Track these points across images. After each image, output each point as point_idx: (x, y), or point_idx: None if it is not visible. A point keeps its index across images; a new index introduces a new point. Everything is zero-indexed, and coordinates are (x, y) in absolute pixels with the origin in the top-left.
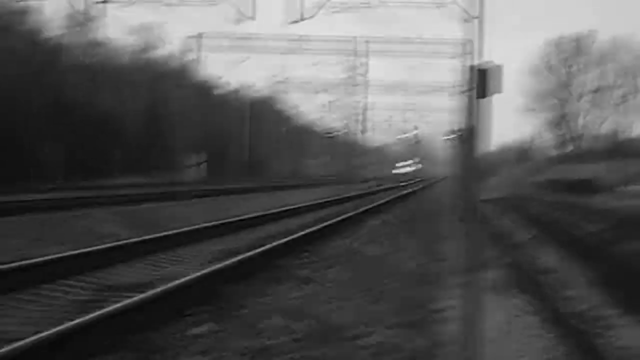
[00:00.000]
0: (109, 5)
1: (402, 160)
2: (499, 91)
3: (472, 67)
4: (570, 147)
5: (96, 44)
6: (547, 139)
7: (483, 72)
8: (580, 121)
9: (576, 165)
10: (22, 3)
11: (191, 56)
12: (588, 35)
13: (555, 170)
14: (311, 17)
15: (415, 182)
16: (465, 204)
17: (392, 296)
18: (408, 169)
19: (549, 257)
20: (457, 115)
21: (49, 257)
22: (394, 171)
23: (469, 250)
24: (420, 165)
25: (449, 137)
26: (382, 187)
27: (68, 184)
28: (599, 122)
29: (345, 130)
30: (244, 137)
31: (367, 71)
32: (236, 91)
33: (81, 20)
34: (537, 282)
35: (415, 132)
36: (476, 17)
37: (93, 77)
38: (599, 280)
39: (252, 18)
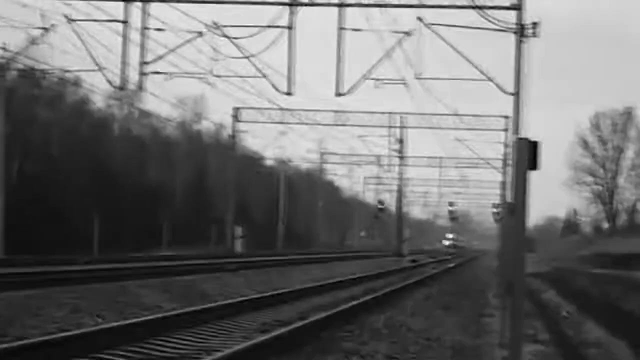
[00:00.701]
0: (149, 78)
1: (448, 237)
2: (538, 167)
3: (519, 140)
4: (611, 222)
5: (143, 115)
6: (591, 213)
7: (534, 144)
8: (617, 197)
9: (619, 239)
10: (72, 74)
11: (234, 129)
12: (624, 112)
13: (600, 244)
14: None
15: (456, 255)
16: (511, 278)
17: None
18: (450, 242)
19: (593, 331)
20: (502, 189)
21: (94, 328)
22: (444, 242)
23: (515, 324)
24: (462, 240)
25: (494, 211)
26: (427, 261)
27: (112, 256)
28: (635, 198)
29: (383, 206)
30: (289, 210)
31: (402, 146)
32: (279, 163)
33: (128, 93)
34: (580, 356)
35: (451, 208)
36: (512, 94)
37: (141, 147)
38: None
39: (290, 93)
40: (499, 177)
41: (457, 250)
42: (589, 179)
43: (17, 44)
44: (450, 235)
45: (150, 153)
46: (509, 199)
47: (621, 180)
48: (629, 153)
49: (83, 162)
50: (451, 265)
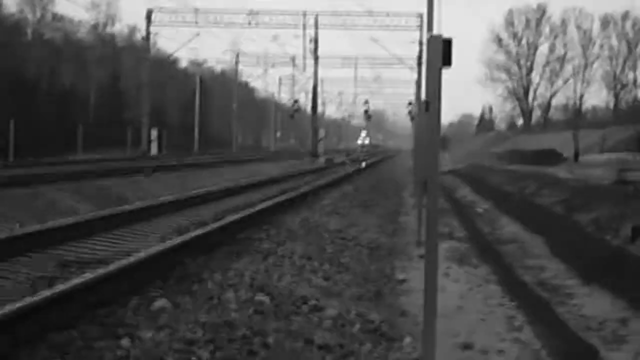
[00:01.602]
0: None
1: (361, 136)
2: (452, 64)
3: (432, 37)
4: (526, 119)
5: (56, 19)
6: (506, 110)
7: (447, 41)
8: (531, 94)
9: (533, 136)
10: None
11: (147, 32)
12: (537, 9)
13: (514, 141)
14: None
15: (371, 154)
16: (426, 176)
17: (354, 268)
18: (366, 142)
19: (508, 227)
20: (417, 88)
21: (12, 234)
22: (357, 142)
23: (430, 221)
24: (377, 139)
25: (408, 110)
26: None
27: (27, 160)
28: (549, 95)
29: (298, 106)
30: (202, 112)
31: (316, 46)
32: (193, 65)
33: None
34: (497, 252)
35: (366, 107)
36: None
37: (54, 52)
38: (557, 249)
39: None
40: (414, 76)
41: (371, 150)
42: (504, 76)
43: None
44: (364, 134)
45: (63, 57)
46: (423, 97)
47: (535, 77)
48: (543, 49)
49: None
50: (365, 165)
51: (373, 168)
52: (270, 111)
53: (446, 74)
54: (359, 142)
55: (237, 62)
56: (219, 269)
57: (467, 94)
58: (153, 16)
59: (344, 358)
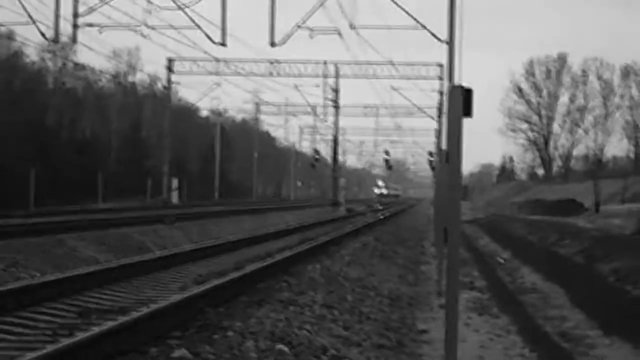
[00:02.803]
0: (80, 31)
1: (377, 185)
2: (472, 114)
3: (453, 88)
4: (546, 169)
5: (77, 68)
6: (527, 160)
7: (467, 91)
8: (552, 144)
9: (554, 186)
10: (4, 27)
11: (168, 81)
12: (558, 58)
13: (535, 191)
14: (282, 43)
15: (392, 204)
16: (447, 225)
17: (375, 317)
18: (384, 191)
19: (529, 277)
20: (437, 137)
21: (32, 282)
22: (375, 191)
23: (451, 272)
24: (396, 188)
25: (429, 159)
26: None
27: (48, 209)
28: (570, 145)
29: (319, 156)
30: (223, 161)
31: (337, 95)
32: (214, 115)
33: (62, 45)
34: (517, 302)
35: (387, 156)
36: (446, 42)
37: (75, 100)
38: (578, 299)
39: (224, 44)
40: (434, 125)
41: (390, 200)
42: (524, 125)
43: None
44: (381, 183)
45: (84, 106)
46: (444, 146)
47: (556, 127)
48: (563, 99)
49: (17, 116)
50: (386, 214)
51: (393, 217)
52: (291, 160)
53: (467, 123)
54: (376, 191)
55: (258, 111)
56: (240, 318)
57: (488, 143)
58: (174, 65)
59: None
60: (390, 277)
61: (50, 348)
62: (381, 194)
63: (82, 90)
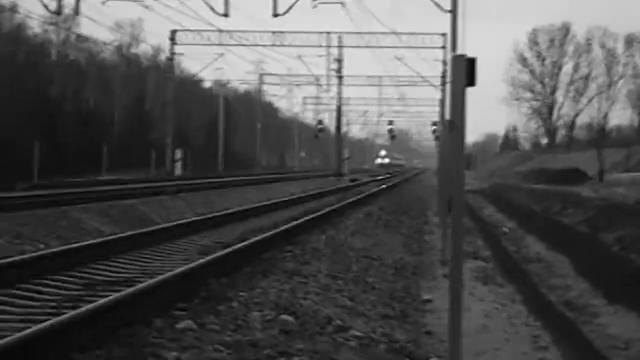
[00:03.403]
0: (83, 3)
1: (379, 154)
2: (475, 84)
3: (456, 57)
4: (550, 138)
5: (80, 40)
6: (530, 129)
7: (471, 61)
8: (555, 113)
9: (558, 155)
10: (7, 0)
11: (171, 52)
12: (561, 27)
13: (538, 160)
14: (285, 12)
15: (395, 174)
16: (451, 195)
17: (379, 287)
18: (386, 161)
19: (533, 246)
20: (441, 107)
21: (37, 253)
22: (376, 161)
23: (455, 241)
24: (399, 158)
25: (433, 129)
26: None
27: (52, 181)
28: (573, 114)
29: (323, 126)
30: (226, 132)
31: (340, 65)
32: (218, 86)
33: (65, 17)
34: (522, 271)
35: (390, 126)
36: (449, 11)
37: (79, 72)
38: (582, 268)
39: (227, 15)
40: (438, 95)
41: (393, 170)
42: (528, 95)
43: None
44: (383, 153)
45: (88, 78)
46: (447, 116)
47: (559, 96)
48: (567, 68)
49: (21, 89)
50: (389, 184)
51: (397, 187)
52: (294, 131)
53: (470, 93)
54: (378, 161)
55: (261, 82)
56: (244, 288)
57: (491, 113)
58: (177, 37)
59: None
60: (394, 246)
61: (54, 320)
62: (383, 164)
63: (85, 63)
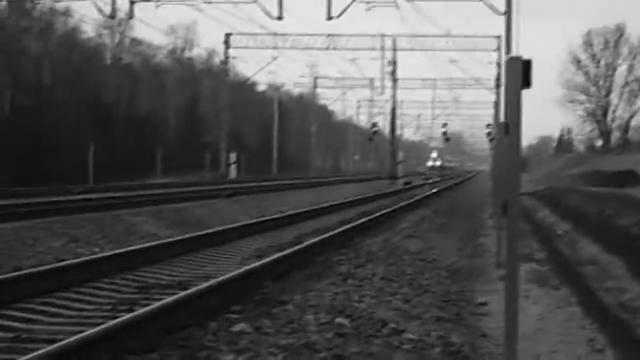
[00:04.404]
0: (137, 7)
1: (430, 157)
2: (531, 85)
3: (511, 59)
4: (604, 140)
5: (134, 44)
6: (585, 132)
7: (526, 62)
8: (610, 115)
9: (613, 157)
10: (62, 4)
11: (225, 56)
12: (616, 29)
13: (593, 162)
14: (339, 15)
15: (448, 177)
16: (506, 197)
17: (434, 290)
18: (437, 163)
19: (588, 249)
20: (495, 109)
21: (91, 257)
22: (428, 164)
23: (511, 244)
24: (451, 160)
25: (486, 131)
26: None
27: (107, 185)
28: (628, 116)
29: (377, 129)
30: (280, 135)
31: (395, 68)
32: (272, 89)
33: (119, 21)
34: (577, 274)
35: (444, 129)
36: (504, 13)
37: (132, 76)
38: (638, 271)
39: (280, 18)
40: (491, 98)
41: (446, 173)
42: (582, 97)
43: None
44: (435, 155)
45: (142, 81)
46: (501, 119)
47: (614, 98)
48: (621, 70)
49: (75, 93)
50: (442, 187)
51: (450, 190)
52: (349, 134)
53: (525, 95)
54: (429, 164)
55: (315, 85)
56: (299, 291)
57: (546, 115)
58: (231, 40)
59: None
60: (448, 249)
61: (109, 323)
62: (434, 167)
63: (140, 66)
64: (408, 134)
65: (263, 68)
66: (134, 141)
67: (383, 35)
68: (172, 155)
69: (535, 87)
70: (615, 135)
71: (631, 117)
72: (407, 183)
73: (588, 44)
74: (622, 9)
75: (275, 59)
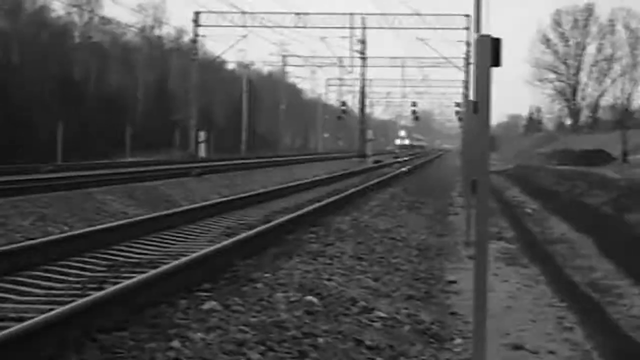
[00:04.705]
0: None
1: (399, 135)
2: (500, 64)
3: (481, 37)
4: (574, 119)
5: (103, 22)
6: (554, 111)
7: (496, 41)
8: (579, 94)
9: (582, 136)
10: None
11: (194, 34)
12: (585, 9)
13: (562, 141)
14: None
15: (418, 155)
16: (475, 176)
17: (404, 269)
18: (406, 142)
19: (558, 227)
20: (464, 88)
21: (60, 235)
22: (396, 142)
23: (480, 222)
24: (420, 139)
25: (456, 110)
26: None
27: (76, 163)
28: (597, 95)
29: (346, 107)
30: (250, 114)
31: (364, 47)
32: (241, 67)
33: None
34: (546, 252)
35: (414, 107)
36: None
37: (102, 54)
38: (607, 249)
39: None
40: (461, 76)
41: (415, 151)
42: (551, 75)
43: None
44: (403, 133)
45: (111, 60)
46: (471, 97)
47: (583, 77)
48: (591, 49)
49: (44, 71)
50: (410, 167)
51: (420, 169)
52: (318, 113)
53: (494, 74)
54: (398, 142)
55: (284, 64)
56: (269, 270)
57: (515, 94)
58: (200, 18)
59: (395, 359)
60: (418, 228)
61: (79, 301)
62: (403, 145)
63: (109, 45)
64: (378, 112)
65: (232, 46)
66: (103, 119)
67: (352, 14)
68: (141, 134)
69: (504, 66)
70: (585, 114)
71: (600, 95)
72: (376, 162)
73: (557, 23)
74: None
75: (244, 37)
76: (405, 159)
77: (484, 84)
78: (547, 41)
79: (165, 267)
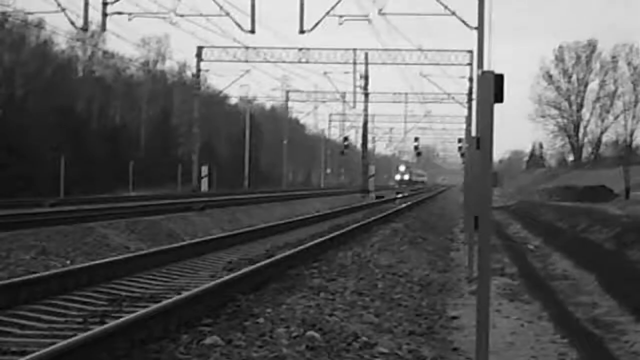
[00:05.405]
0: (109, 20)
1: (399, 170)
2: (503, 100)
3: (484, 73)
4: (576, 155)
5: (107, 56)
6: (556, 147)
7: (499, 77)
8: (581, 130)
9: (584, 172)
10: (34, 16)
11: (197, 69)
12: (588, 45)
13: (564, 177)
14: (312, 29)
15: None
16: (478, 212)
17: (406, 304)
18: (406, 177)
19: (560, 263)
20: (467, 124)
21: (62, 269)
22: (396, 177)
23: (482, 258)
24: (421, 174)
25: (459, 146)
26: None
27: (78, 197)
28: (600, 131)
29: (348, 142)
30: (252, 148)
31: (367, 82)
32: (244, 102)
33: (91, 34)
34: (548, 289)
35: (416, 143)
36: (476, 28)
37: (105, 88)
38: (609, 286)
39: (252, 31)
40: (464, 112)
41: (415, 186)
42: (554, 112)
43: None
44: (403, 168)
45: (114, 94)
46: (474, 133)
47: (586, 113)
48: (593, 85)
49: (47, 105)
50: (413, 201)
51: (422, 204)
52: (321, 148)
53: (497, 109)
54: (397, 177)
55: (287, 99)
56: (271, 304)
57: (517, 130)
58: (203, 53)
59: None
60: (420, 263)
61: (81, 335)
62: (403, 180)
63: (112, 79)
64: (380, 147)
65: (235, 81)
66: (106, 153)
67: (355, 49)
68: (144, 168)
69: (507, 102)
70: (587, 150)
71: (602, 132)
72: (378, 197)
73: (560, 59)
74: (593, 28)
75: (247, 72)
76: (406, 194)
77: (486, 120)
78: (549, 77)
79: (166, 301)
